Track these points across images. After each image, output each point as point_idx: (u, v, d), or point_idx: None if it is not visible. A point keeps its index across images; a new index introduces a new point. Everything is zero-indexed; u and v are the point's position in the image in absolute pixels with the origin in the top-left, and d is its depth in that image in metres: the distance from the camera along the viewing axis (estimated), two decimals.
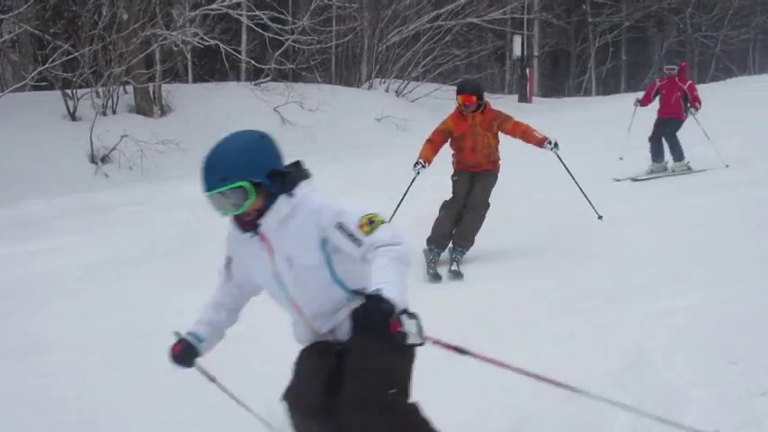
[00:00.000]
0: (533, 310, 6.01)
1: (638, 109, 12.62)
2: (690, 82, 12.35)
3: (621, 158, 12.59)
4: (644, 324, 5.08)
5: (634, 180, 11.80)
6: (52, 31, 17.57)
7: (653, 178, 11.92)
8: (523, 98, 26.46)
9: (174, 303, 7.07)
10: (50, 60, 15.96)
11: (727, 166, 11.50)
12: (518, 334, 5.44)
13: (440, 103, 22.22)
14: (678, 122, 12.15)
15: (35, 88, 18.17)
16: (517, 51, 28.32)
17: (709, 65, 37.28)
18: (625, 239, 7.95)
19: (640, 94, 13.13)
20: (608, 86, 36.70)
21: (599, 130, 15.92)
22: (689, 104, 12.03)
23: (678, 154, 12.06)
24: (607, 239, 7.94)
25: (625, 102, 17.27)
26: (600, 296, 6.04)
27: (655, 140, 12.24)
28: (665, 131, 12.17)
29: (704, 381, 4.11)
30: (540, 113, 19.63)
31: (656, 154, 12.22)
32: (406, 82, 24.81)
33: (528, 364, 4.68)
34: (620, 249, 7.54)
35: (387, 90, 24.52)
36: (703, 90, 13.86)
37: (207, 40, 18.07)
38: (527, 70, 27.29)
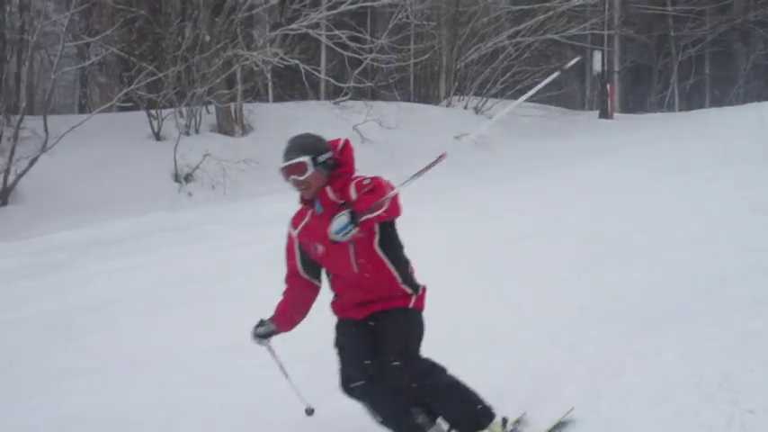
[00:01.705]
0: (619, 327, 5.88)
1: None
2: (370, 179, 4.08)
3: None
4: (731, 344, 4.92)
5: None
6: (137, 53, 18.05)
7: None
8: (604, 114, 26.07)
9: (251, 321, 7.14)
10: (136, 82, 16.39)
11: None
12: (603, 351, 5.33)
13: (518, 119, 22.01)
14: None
15: (121, 109, 18.67)
16: (597, 67, 27.92)
17: None
18: (706, 256, 7.62)
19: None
20: (692, 101, 35.94)
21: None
22: None
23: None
24: (688, 257, 7.63)
25: (709, 116, 16.88)
26: (685, 315, 5.88)
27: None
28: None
29: None
30: (621, 130, 19.34)
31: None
32: (484, 99, 24.71)
33: (614, 383, 4.58)
34: (701, 267, 7.26)
35: (465, 107, 24.43)
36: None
37: (287, 60, 18.33)
38: (608, 86, 26.90)
